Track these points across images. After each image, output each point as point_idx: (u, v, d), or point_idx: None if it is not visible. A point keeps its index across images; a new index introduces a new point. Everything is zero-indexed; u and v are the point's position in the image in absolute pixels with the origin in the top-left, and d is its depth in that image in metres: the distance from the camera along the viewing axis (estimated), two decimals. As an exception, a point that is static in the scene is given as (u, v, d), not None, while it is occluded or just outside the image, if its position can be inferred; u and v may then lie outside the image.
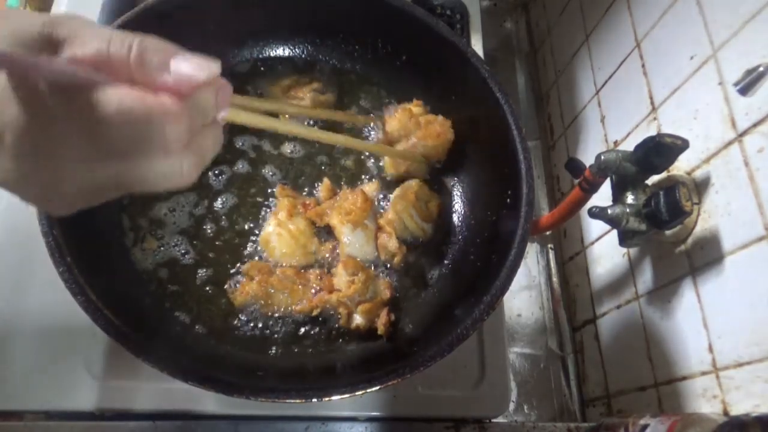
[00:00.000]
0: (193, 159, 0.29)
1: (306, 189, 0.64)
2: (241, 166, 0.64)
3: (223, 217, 0.61)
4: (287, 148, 0.66)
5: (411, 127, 0.63)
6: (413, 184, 0.63)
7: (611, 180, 0.61)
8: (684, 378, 0.60)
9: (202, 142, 0.30)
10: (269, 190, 0.63)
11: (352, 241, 0.59)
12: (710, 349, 0.56)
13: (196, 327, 0.55)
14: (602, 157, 0.58)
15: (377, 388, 0.45)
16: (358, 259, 0.59)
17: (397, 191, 0.63)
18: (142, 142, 0.26)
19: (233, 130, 0.64)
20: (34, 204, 0.30)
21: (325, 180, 0.63)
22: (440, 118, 0.64)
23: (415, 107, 0.64)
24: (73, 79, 0.25)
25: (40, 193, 0.28)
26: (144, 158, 0.27)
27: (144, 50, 0.26)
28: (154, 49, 0.26)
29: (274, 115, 0.59)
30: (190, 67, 0.27)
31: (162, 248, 0.58)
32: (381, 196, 0.65)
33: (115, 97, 0.25)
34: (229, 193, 0.62)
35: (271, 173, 0.64)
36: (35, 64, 0.24)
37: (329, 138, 0.54)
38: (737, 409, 0.52)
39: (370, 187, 0.64)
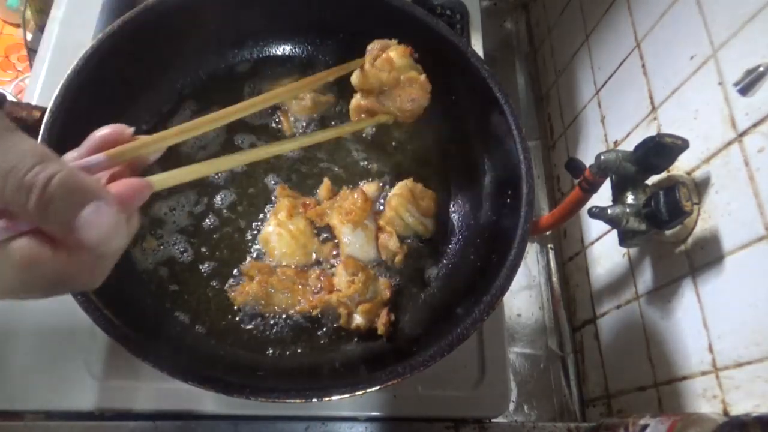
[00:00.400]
0: (91, 266, 0.27)
1: (306, 189, 0.64)
2: (241, 166, 0.64)
3: (223, 216, 0.61)
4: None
5: (388, 81, 0.55)
6: (407, 182, 0.63)
7: (611, 180, 0.61)
8: (684, 378, 0.60)
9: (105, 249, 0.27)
10: (269, 188, 0.63)
11: (352, 241, 0.59)
12: (710, 349, 0.56)
13: (196, 327, 0.55)
14: (602, 157, 0.58)
15: (377, 388, 0.45)
16: (359, 259, 0.59)
17: (393, 190, 0.63)
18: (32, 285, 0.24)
19: (232, 128, 0.64)
20: None
21: (325, 180, 0.63)
22: (422, 78, 0.56)
23: (399, 57, 0.55)
24: None
25: None
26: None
27: (48, 202, 0.23)
28: (60, 197, 0.23)
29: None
30: (103, 224, 0.24)
31: (161, 247, 0.58)
32: (382, 196, 0.65)
33: (15, 253, 0.23)
34: (229, 192, 0.62)
35: (270, 172, 0.64)
36: None
37: (278, 149, 0.48)
38: (737, 409, 0.52)
39: (370, 187, 0.64)
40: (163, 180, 0.34)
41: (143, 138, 0.33)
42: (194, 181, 0.60)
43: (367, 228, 0.60)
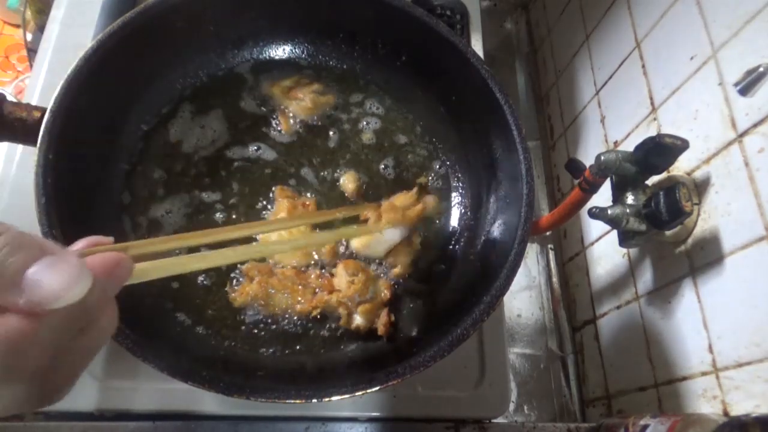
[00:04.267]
0: (59, 377, 0.23)
1: (310, 189, 0.64)
2: (241, 166, 0.64)
3: (222, 217, 0.61)
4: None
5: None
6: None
7: (611, 180, 0.61)
8: (684, 378, 0.60)
9: (74, 353, 0.23)
10: (269, 189, 0.63)
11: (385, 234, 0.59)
12: (710, 349, 0.56)
13: (197, 327, 0.55)
14: (602, 158, 0.58)
15: (377, 388, 0.45)
16: (364, 256, 0.59)
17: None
18: None
19: (232, 128, 0.64)
20: None
21: (348, 174, 0.64)
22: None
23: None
24: None
25: None
26: None
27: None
28: (5, 254, 0.20)
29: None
30: (53, 280, 0.20)
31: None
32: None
33: None
34: (229, 192, 0.62)
35: (270, 171, 0.64)
36: None
37: (280, 249, 0.51)
38: (737, 410, 0.52)
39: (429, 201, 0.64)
40: (143, 271, 0.29)
41: (122, 244, 0.29)
42: (191, 182, 0.61)
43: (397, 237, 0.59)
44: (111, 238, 0.27)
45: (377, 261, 0.61)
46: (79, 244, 0.26)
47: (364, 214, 0.58)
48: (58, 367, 0.22)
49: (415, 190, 0.62)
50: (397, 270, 0.60)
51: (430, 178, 0.67)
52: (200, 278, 0.58)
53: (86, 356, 0.24)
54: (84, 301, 0.21)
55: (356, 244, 0.60)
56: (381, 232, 0.58)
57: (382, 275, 0.60)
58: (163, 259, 0.32)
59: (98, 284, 0.22)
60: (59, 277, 0.20)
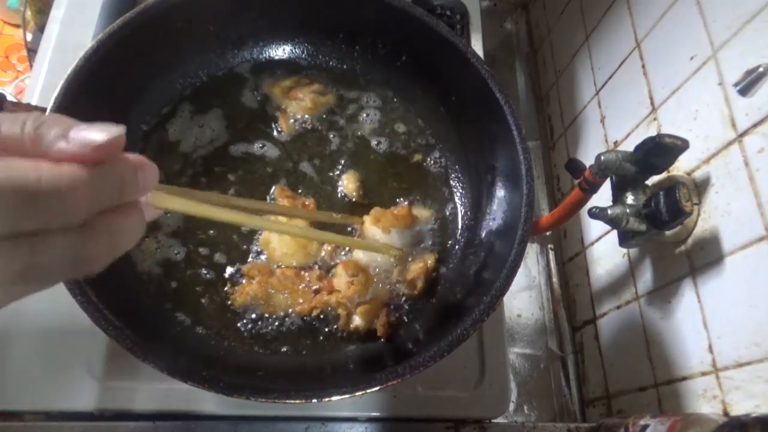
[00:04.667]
0: (102, 242, 0.25)
1: (310, 190, 0.64)
2: (240, 166, 0.64)
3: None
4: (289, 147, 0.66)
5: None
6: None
7: (611, 180, 0.61)
8: (684, 378, 0.60)
9: (116, 223, 0.26)
10: (268, 190, 0.63)
11: (376, 238, 0.59)
12: (710, 349, 0.56)
13: (197, 327, 0.55)
14: (602, 158, 0.58)
15: (377, 388, 0.45)
16: (365, 261, 0.59)
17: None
18: (37, 215, 0.22)
19: (232, 126, 0.64)
20: None
21: (350, 173, 0.64)
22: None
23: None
24: None
25: None
26: (38, 239, 0.23)
27: (40, 125, 0.23)
28: (50, 123, 0.24)
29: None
30: (89, 131, 0.24)
31: (160, 249, 0.58)
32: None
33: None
34: (228, 192, 0.62)
35: (270, 171, 0.64)
36: None
37: (286, 230, 0.52)
38: (737, 410, 0.52)
39: (421, 212, 0.64)
40: (164, 198, 0.31)
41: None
42: (189, 182, 0.61)
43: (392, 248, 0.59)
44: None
45: (395, 282, 0.60)
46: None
47: (359, 222, 0.60)
48: (96, 236, 0.25)
49: (406, 203, 0.63)
50: (414, 292, 0.59)
51: (428, 160, 0.67)
52: (201, 279, 0.58)
53: (122, 236, 0.27)
54: (121, 171, 0.25)
55: (358, 255, 0.60)
56: (381, 250, 0.59)
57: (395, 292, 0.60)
58: (184, 196, 0.34)
59: (128, 164, 0.26)
60: (94, 128, 0.24)
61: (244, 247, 0.60)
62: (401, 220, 0.60)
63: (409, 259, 0.61)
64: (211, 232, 0.60)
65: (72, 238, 0.24)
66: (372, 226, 0.59)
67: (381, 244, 0.58)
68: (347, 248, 0.61)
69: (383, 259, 0.59)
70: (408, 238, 0.61)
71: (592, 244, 0.82)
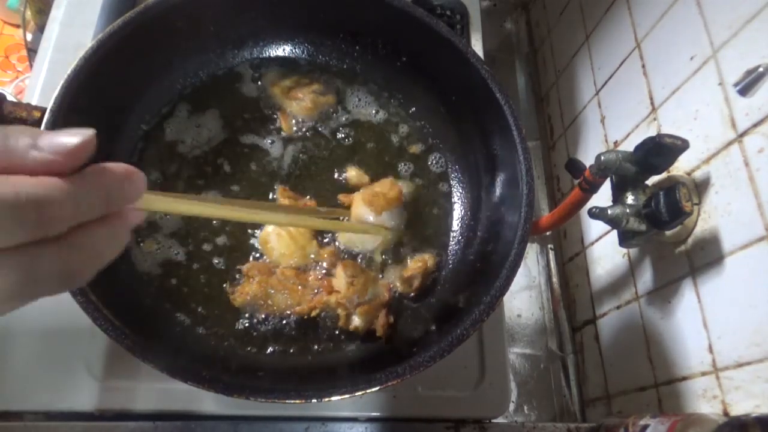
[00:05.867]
0: (85, 254, 0.25)
1: (311, 191, 0.64)
2: (240, 166, 0.64)
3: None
4: (290, 148, 0.66)
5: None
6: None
7: (611, 180, 0.61)
8: (684, 378, 0.60)
9: (99, 234, 0.25)
10: (269, 191, 0.63)
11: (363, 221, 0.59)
12: (710, 349, 0.56)
13: (197, 327, 0.55)
14: (602, 158, 0.58)
15: (377, 388, 0.45)
16: (356, 247, 0.59)
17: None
18: (17, 231, 0.22)
19: (231, 127, 0.64)
20: None
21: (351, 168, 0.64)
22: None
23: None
24: None
25: None
26: (19, 253, 0.22)
27: (5, 138, 0.22)
28: (17, 135, 0.23)
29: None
30: (58, 137, 0.23)
31: (160, 249, 0.58)
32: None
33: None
34: (228, 192, 0.62)
35: (270, 171, 0.64)
36: None
37: (273, 219, 0.52)
38: (737, 410, 0.52)
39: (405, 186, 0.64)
40: (151, 201, 0.31)
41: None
42: (185, 184, 0.61)
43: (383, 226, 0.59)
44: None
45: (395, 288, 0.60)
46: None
47: (346, 214, 0.60)
48: (79, 247, 0.24)
49: (390, 178, 0.63)
50: (410, 290, 0.60)
51: (428, 160, 0.67)
52: (200, 279, 0.58)
53: (97, 256, 0.26)
54: (104, 182, 0.25)
55: (343, 239, 0.60)
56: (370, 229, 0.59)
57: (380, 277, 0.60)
58: (170, 196, 0.34)
59: (114, 176, 0.25)
60: (64, 134, 0.23)
61: (244, 247, 0.60)
62: (393, 202, 0.60)
63: (409, 260, 0.61)
64: (211, 232, 0.60)
65: (55, 252, 0.23)
66: (363, 207, 0.59)
67: (371, 225, 0.58)
68: (334, 233, 0.61)
69: (368, 241, 0.60)
70: (398, 217, 0.61)
71: (592, 244, 0.82)
